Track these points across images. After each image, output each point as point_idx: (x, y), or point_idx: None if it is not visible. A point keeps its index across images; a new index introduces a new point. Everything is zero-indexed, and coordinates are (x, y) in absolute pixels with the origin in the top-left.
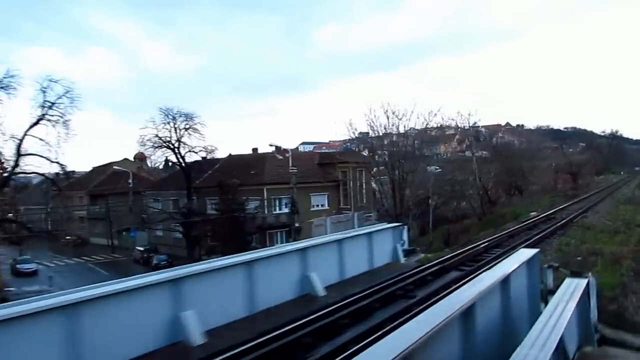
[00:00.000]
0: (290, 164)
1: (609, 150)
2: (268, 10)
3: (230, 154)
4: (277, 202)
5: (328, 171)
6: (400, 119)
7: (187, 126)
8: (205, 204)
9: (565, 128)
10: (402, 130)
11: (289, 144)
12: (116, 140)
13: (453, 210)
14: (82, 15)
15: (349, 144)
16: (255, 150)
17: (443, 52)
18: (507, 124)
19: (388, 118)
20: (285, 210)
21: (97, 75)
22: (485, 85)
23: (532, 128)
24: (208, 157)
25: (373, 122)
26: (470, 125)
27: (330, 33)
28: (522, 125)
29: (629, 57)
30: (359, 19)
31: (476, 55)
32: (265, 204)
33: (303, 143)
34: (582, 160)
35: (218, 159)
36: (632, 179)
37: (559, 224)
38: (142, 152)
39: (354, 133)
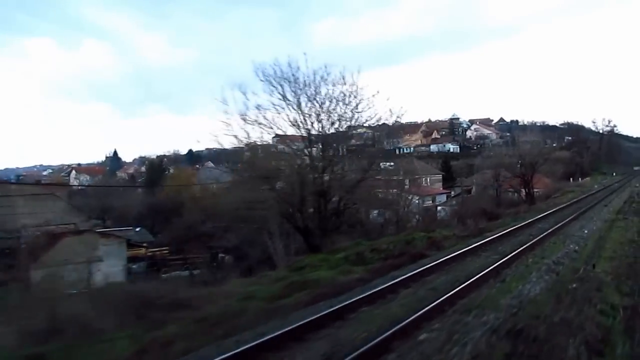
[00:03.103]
0: None
1: (600, 146)
2: (265, 3)
3: None
4: None
5: None
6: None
7: None
8: None
9: (561, 124)
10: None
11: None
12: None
13: None
14: (77, 7)
15: (313, 137)
16: None
17: (441, 47)
18: (501, 119)
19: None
20: None
21: (93, 68)
22: (483, 81)
23: (526, 124)
24: None
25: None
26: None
27: (328, 27)
28: (516, 121)
29: (631, 54)
30: (356, 14)
31: (474, 51)
32: None
33: (276, 136)
34: (536, 157)
35: None
36: (624, 186)
37: None
38: None
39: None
